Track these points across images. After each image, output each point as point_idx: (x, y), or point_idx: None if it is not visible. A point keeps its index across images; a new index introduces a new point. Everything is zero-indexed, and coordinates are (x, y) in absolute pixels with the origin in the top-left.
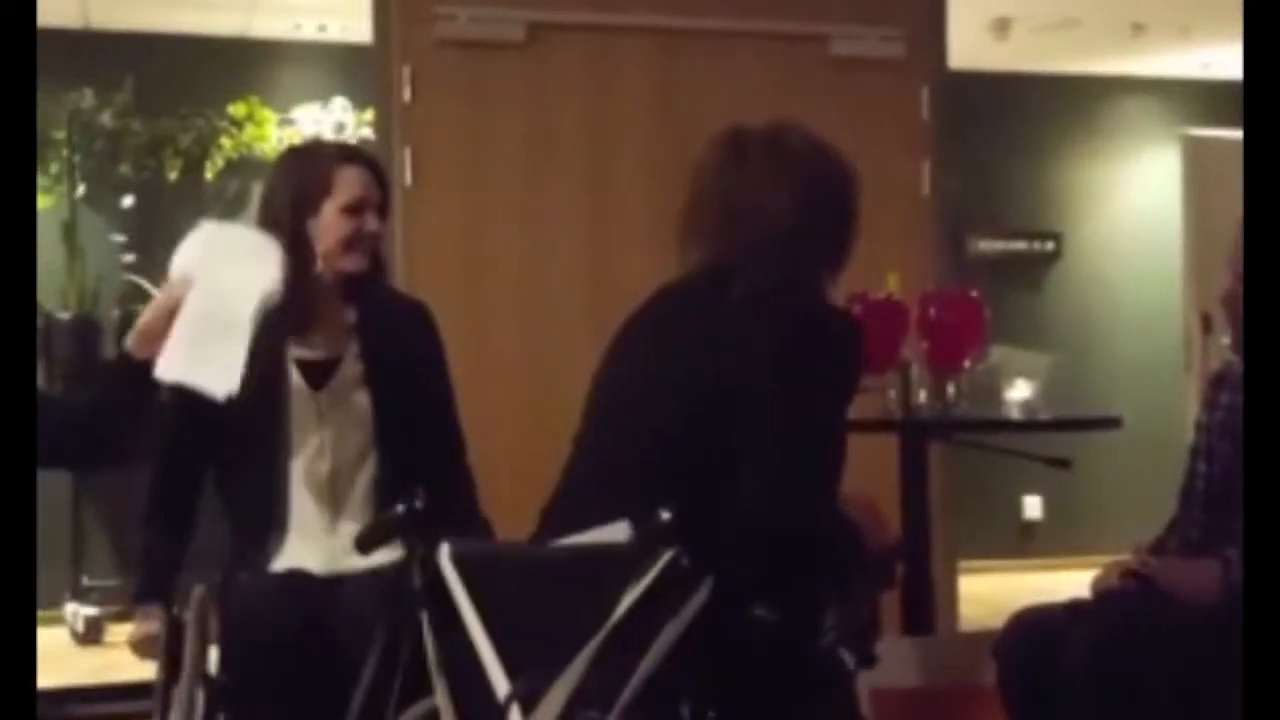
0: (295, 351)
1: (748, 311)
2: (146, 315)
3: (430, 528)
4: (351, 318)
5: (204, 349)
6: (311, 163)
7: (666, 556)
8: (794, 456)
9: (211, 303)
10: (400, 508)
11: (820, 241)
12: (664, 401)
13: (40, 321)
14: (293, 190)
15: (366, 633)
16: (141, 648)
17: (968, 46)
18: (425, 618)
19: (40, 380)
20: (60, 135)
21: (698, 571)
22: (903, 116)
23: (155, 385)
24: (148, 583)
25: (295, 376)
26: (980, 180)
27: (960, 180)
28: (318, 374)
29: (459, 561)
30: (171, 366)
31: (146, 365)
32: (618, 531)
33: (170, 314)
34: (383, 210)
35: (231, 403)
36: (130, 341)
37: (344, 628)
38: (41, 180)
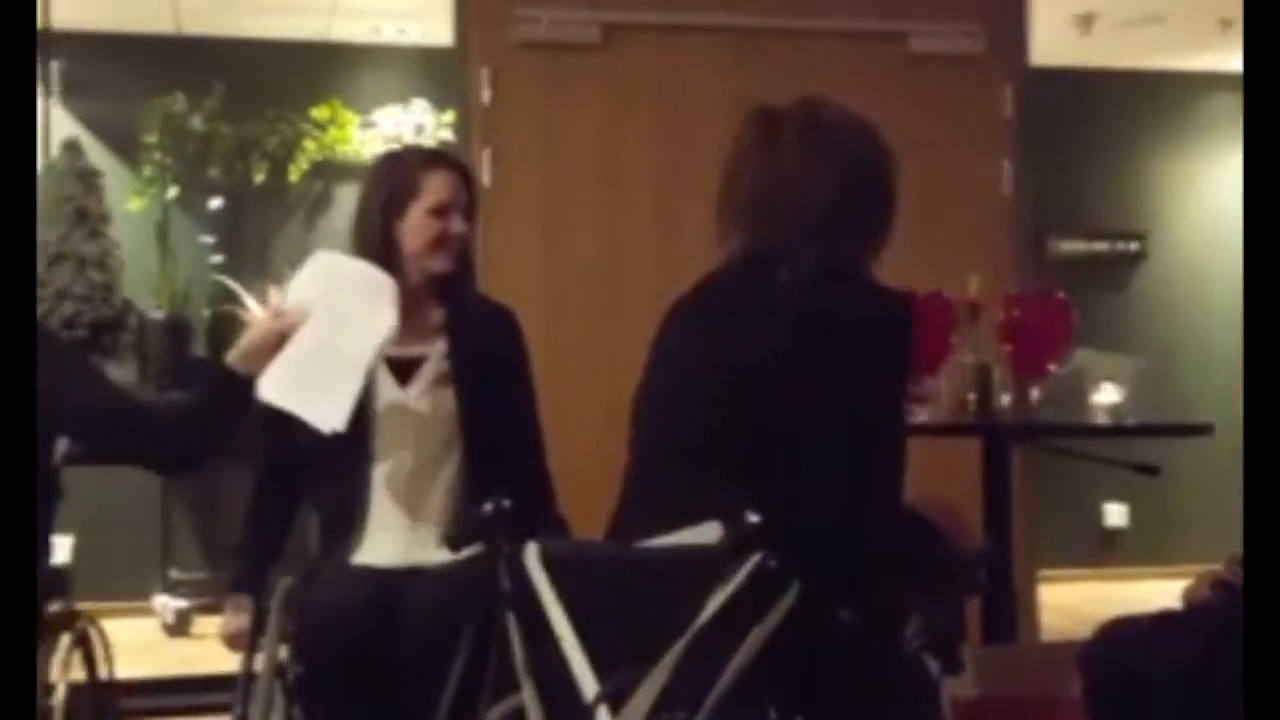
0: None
1: (796, 300)
2: (254, 335)
3: (518, 527)
4: (440, 317)
5: (316, 382)
6: (399, 167)
7: (755, 559)
8: (850, 449)
9: (328, 338)
10: (489, 506)
11: (860, 221)
12: (713, 396)
13: (134, 321)
14: (382, 194)
15: (438, 627)
16: (235, 642)
17: (1050, 42)
18: (512, 618)
19: (134, 378)
20: (153, 139)
21: (785, 574)
22: (983, 114)
23: (253, 397)
24: (242, 574)
25: (383, 373)
26: (1063, 179)
27: (1042, 179)
28: (405, 371)
29: (546, 561)
30: (275, 389)
31: (248, 380)
32: (706, 533)
33: (280, 339)
34: (470, 212)
35: None
36: (233, 356)
37: (416, 622)
38: (134, 183)
